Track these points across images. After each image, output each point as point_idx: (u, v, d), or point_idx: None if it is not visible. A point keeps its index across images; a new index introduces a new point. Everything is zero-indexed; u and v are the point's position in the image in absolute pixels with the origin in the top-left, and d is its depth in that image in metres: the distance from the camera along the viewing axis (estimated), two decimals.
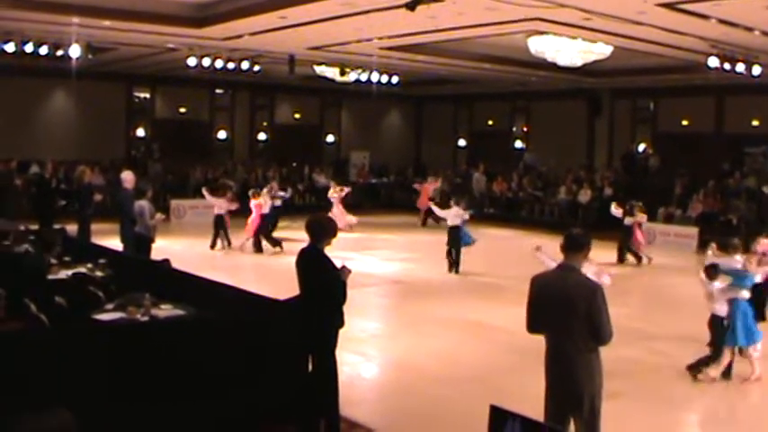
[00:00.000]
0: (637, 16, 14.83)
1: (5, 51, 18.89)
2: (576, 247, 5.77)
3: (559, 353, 5.62)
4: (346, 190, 23.72)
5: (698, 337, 11.65)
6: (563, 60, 18.45)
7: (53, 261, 10.23)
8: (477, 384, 9.11)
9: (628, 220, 18.57)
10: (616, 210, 18.88)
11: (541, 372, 5.90)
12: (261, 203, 18.78)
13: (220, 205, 19.02)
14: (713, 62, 17.88)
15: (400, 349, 10.81)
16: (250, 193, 19.53)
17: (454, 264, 16.45)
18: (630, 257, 18.53)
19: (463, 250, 16.39)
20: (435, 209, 19.23)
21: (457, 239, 16.44)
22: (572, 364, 5.57)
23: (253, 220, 18.76)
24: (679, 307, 13.66)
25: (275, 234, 19.36)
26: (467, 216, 16.81)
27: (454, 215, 16.59)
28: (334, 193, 23.06)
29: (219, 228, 18.91)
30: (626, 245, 18.54)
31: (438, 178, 27.11)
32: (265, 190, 19.66)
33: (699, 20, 14.91)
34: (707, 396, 9.29)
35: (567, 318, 5.56)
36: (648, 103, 28.51)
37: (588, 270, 9.13)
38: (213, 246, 18.93)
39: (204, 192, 20.19)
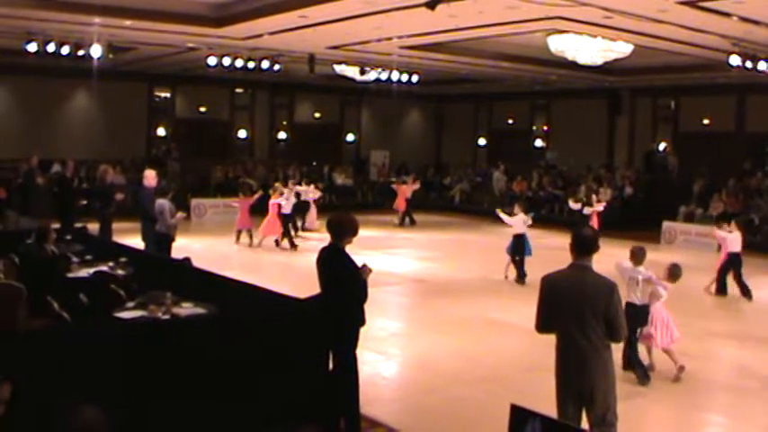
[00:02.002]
0: (658, 14, 14.74)
1: (28, 51, 18.99)
2: (586, 248, 5.79)
3: (574, 350, 5.64)
4: (318, 194, 22.92)
5: (719, 336, 11.63)
6: (583, 59, 18.36)
7: (74, 259, 10.32)
8: (497, 384, 9.11)
9: (587, 210, 18.57)
10: (574, 204, 18.95)
11: None
12: (280, 203, 18.90)
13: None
14: (735, 60, 17.72)
15: (420, 348, 10.81)
16: (270, 191, 19.50)
17: (522, 274, 15.23)
18: None
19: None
20: (504, 217, 16.07)
21: (522, 247, 15.38)
22: (587, 361, 5.61)
23: (270, 220, 18.82)
24: (700, 306, 13.58)
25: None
26: (530, 221, 15.72)
27: (523, 222, 15.46)
28: (310, 194, 22.20)
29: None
30: None
31: (417, 179, 26.92)
32: (286, 189, 19.76)
33: (720, 17, 14.79)
34: (728, 396, 9.23)
35: (583, 316, 5.59)
36: (669, 102, 28.32)
37: (646, 287, 9.05)
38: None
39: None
